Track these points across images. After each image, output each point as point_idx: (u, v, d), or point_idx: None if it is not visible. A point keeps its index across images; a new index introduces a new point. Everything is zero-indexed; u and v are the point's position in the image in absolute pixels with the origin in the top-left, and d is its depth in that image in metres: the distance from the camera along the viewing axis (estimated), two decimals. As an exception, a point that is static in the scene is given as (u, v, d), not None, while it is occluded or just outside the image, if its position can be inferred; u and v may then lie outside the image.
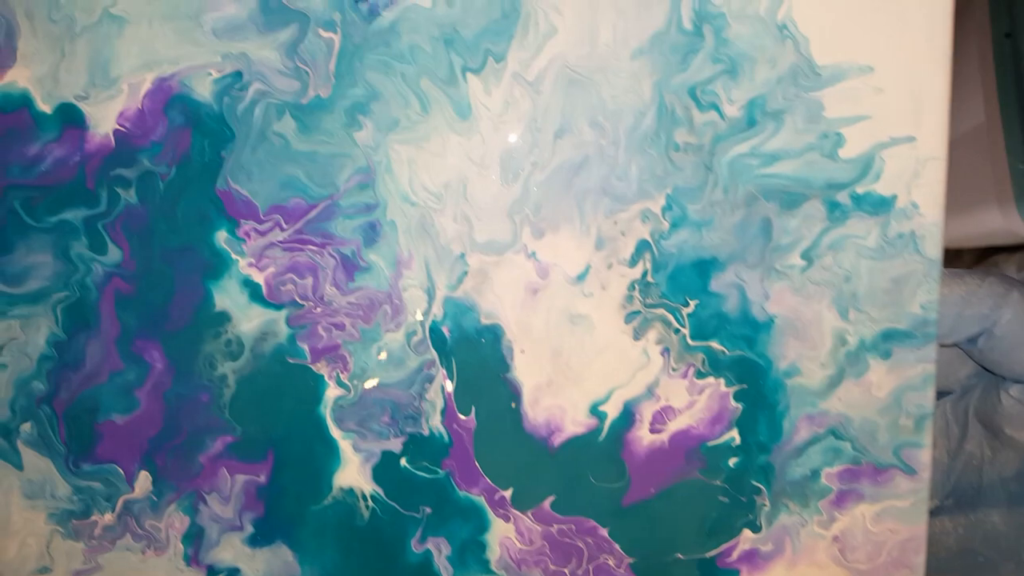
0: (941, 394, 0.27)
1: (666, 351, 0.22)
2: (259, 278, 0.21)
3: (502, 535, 0.23)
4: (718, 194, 0.22)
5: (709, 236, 0.22)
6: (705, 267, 0.22)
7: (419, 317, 0.22)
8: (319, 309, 0.22)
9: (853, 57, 0.21)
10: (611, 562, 0.23)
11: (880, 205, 0.22)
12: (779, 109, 0.22)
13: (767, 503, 0.23)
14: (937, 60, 0.21)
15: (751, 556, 0.23)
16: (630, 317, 0.22)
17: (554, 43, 0.21)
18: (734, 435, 0.22)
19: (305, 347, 0.22)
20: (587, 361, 0.22)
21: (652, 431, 0.22)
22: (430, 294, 0.22)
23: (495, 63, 0.21)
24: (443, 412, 0.22)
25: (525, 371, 0.22)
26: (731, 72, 0.21)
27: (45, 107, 0.21)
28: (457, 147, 0.21)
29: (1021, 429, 0.24)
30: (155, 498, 0.22)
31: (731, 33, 0.21)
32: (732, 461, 0.22)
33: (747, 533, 0.23)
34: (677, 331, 0.22)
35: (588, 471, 0.22)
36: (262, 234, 0.21)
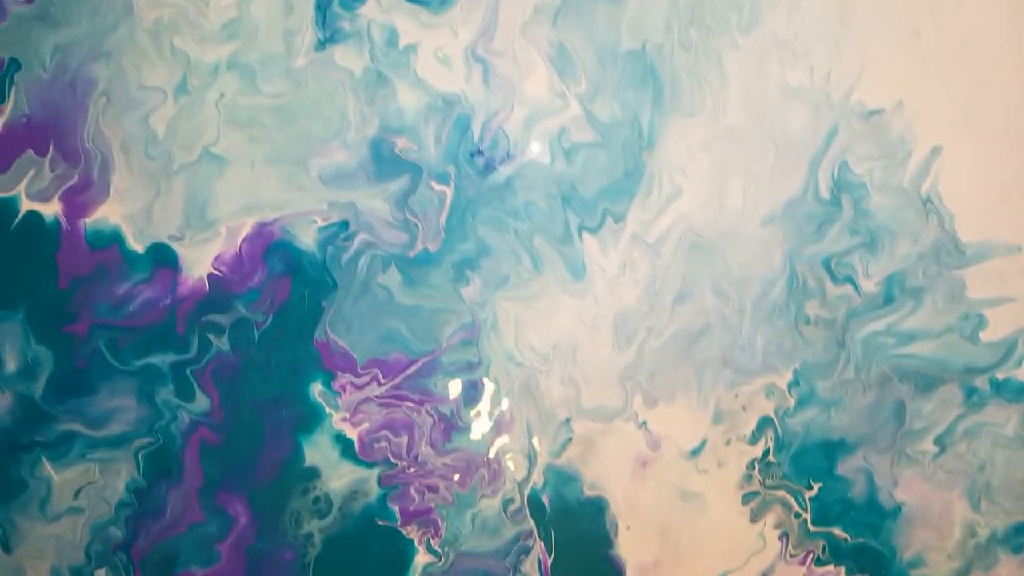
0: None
1: (784, 535, 0.20)
2: (352, 434, 0.20)
3: None
4: (849, 372, 0.20)
5: (838, 416, 0.20)
6: (832, 449, 0.20)
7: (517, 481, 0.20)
8: (413, 469, 0.20)
9: (1000, 236, 0.20)
10: None
11: (1021, 392, 0.20)
12: (919, 286, 0.20)
13: None
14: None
15: None
16: (747, 498, 0.20)
17: (678, 205, 0.20)
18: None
19: (396, 509, 0.20)
20: (698, 542, 0.20)
21: (763, 622, 0.21)
22: (531, 460, 0.20)
23: (614, 223, 0.20)
24: (539, 588, 0.20)
25: (630, 549, 0.20)
26: (870, 245, 0.20)
27: (137, 246, 0.20)
28: (569, 308, 0.20)
29: None
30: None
31: (872, 204, 0.20)
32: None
33: None
34: (798, 515, 0.20)
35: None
36: (358, 388, 0.20)
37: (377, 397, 0.20)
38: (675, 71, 0.20)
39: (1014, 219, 0.20)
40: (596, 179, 0.20)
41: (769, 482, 0.21)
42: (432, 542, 0.21)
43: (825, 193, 0.20)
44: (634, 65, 0.20)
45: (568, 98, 0.20)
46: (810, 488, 0.21)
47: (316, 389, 0.20)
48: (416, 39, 0.20)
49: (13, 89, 0.20)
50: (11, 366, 0.20)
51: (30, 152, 0.20)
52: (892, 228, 0.20)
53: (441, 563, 0.21)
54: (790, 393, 0.20)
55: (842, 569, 0.21)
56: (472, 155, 0.20)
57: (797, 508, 0.21)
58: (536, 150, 0.20)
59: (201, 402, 0.20)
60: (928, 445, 0.21)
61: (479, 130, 0.20)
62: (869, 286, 0.20)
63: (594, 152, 0.20)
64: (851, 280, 0.20)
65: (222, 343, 0.20)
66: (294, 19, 0.20)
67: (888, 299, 0.20)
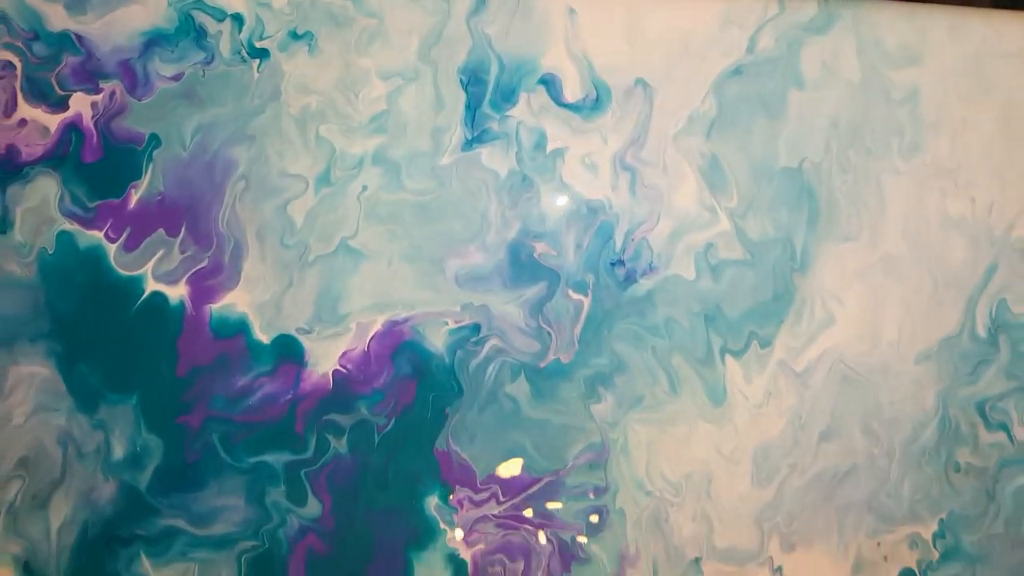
0: None
1: None
2: (466, 555, 0.19)
3: None
4: (999, 527, 0.19)
5: (984, 574, 0.19)
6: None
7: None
8: (528, 604, 0.19)
9: None
10: None
11: None
12: (1080, 438, 0.19)
13: None
14: None
15: None
16: (886, 661, 0.19)
17: (830, 334, 0.19)
18: None
19: (506, 647, 0.19)
20: None
21: None
22: (659, 604, 0.19)
23: (760, 348, 0.19)
24: None
25: None
26: (1029, 390, 0.19)
27: (263, 336, 0.19)
28: (706, 436, 0.19)
29: None
30: None
31: (1033, 346, 0.19)
32: None
33: None
34: None
35: None
36: (476, 505, 0.19)
37: (495, 516, 0.19)
38: (832, 193, 0.19)
39: None
40: (743, 299, 0.19)
41: (912, 642, 0.19)
42: None
43: (982, 332, 0.19)
44: (790, 183, 0.19)
45: (718, 212, 0.19)
46: (955, 655, 0.19)
47: (432, 502, 0.19)
48: (564, 144, 0.19)
49: (151, 166, 0.19)
50: (118, 453, 0.19)
51: (161, 231, 0.19)
52: (1060, 381, 0.19)
53: None
54: (935, 545, 0.19)
55: None
56: (613, 265, 0.19)
57: (937, 669, 0.19)
58: (681, 264, 0.19)
59: (313, 507, 0.19)
60: (1083, 614, 0.19)
61: (622, 239, 0.19)
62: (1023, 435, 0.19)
63: (742, 271, 0.19)
64: (1005, 427, 0.19)
65: (341, 445, 0.19)
66: (443, 117, 0.19)
67: (1052, 453, 0.19)
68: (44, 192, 0.20)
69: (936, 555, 0.19)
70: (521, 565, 0.19)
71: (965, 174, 0.19)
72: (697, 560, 0.19)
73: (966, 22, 0.19)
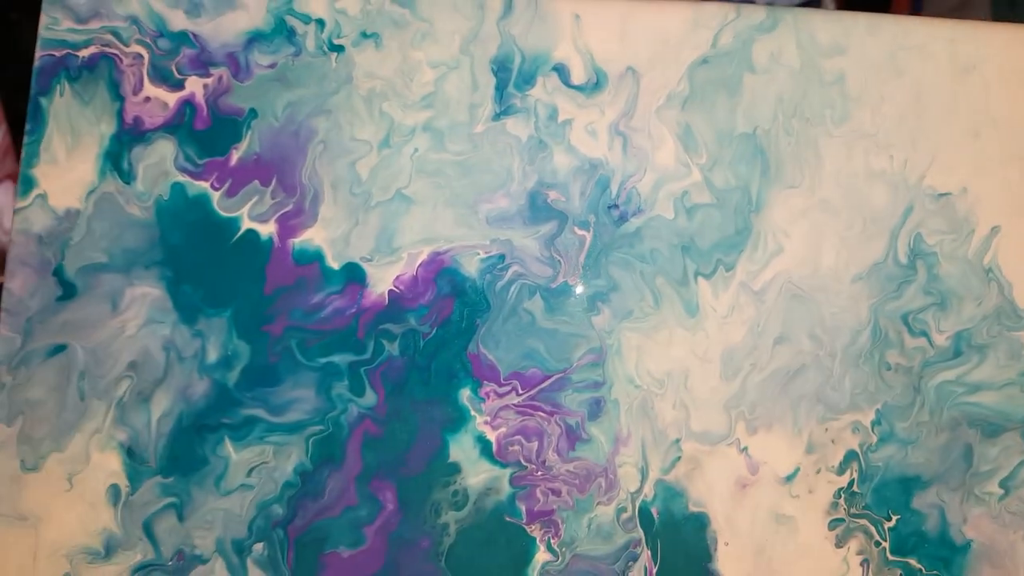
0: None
1: (865, 562, 0.23)
2: (491, 436, 0.23)
3: None
4: (924, 415, 0.23)
5: (914, 454, 0.23)
6: (909, 484, 0.23)
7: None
8: (540, 473, 0.23)
9: (1056, 305, 0.23)
10: None
11: (1080, 445, 0.23)
12: (983, 344, 0.23)
13: None
14: None
15: None
16: (834, 524, 0.23)
17: (780, 260, 0.24)
18: (926, 657, 0.23)
19: (523, 508, 0.23)
20: (788, 563, 0.23)
21: (847, 641, 0.23)
22: (644, 474, 0.23)
23: (725, 271, 0.24)
24: (645, 592, 0.23)
25: (727, 564, 0.23)
26: (941, 305, 0.24)
27: (334, 264, 0.24)
28: (683, 341, 0.24)
29: None
30: (364, 637, 0.23)
31: (942, 271, 0.24)
32: None
33: None
34: (878, 544, 0.23)
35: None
36: (500, 396, 0.24)
37: (515, 405, 0.24)
38: (779, 152, 0.24)
39: (1065, 293, 0.24)
40: (711, 234, 0.24)
41: (853, 511, 0.23)
42: (552, 542, 0.23)
43: (903, 259, 0.24)
44: (746, 145, 0.24)
45: (691, 167, 0.24)
46: (889, 519, 0.23)
47: (465, 394, 0.24)
48: (571, 115, 0.25)
49: (249, 133, 0.25)
50: (212, 356, 0.24)
51: (256, 183, 0.25)
52: (959, 292, 0.24)
53: (558, 562, 0.23)
54: (873, 431, 0.23)
55: (920, 598, 0.23)
56: (609, 208, 0.24)
57: (877, 537, 0.23)
58: (662, 207, 0.24)
59: (369, 397, 0.24)
60: (994, 487, 0.23)
61: (616, 188, 0.24)
62: (940, 340, 0.24)
63: (710, 212, 0.24)
64: (925, 334, 0.24)
65: (393, 348, 0.24)
66: (477, 95, 0.25)
67: (957, 353, 0.23)
68: (162, 152, 0.25)
69: (874, 439, 0.23)
70: (536, 444, 0.24)
71: (884, 137, 0.24)
72: (677, 440, 0.24)
73: (881, 23, 0.25)
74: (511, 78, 0.25)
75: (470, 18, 0.25)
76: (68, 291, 0.24)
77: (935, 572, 0.23)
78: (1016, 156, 0.24)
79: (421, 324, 0.24)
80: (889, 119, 0.24)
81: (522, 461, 0.24)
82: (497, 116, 0.25)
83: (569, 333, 0.24)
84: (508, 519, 0.23)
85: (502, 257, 0.24)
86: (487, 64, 0.25)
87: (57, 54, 0.25)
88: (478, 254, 0.24)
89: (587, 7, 0.25)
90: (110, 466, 0.24)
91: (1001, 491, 0.23)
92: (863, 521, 0.23)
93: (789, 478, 0.23)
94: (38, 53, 0.26)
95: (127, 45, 0.25)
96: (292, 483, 0.24)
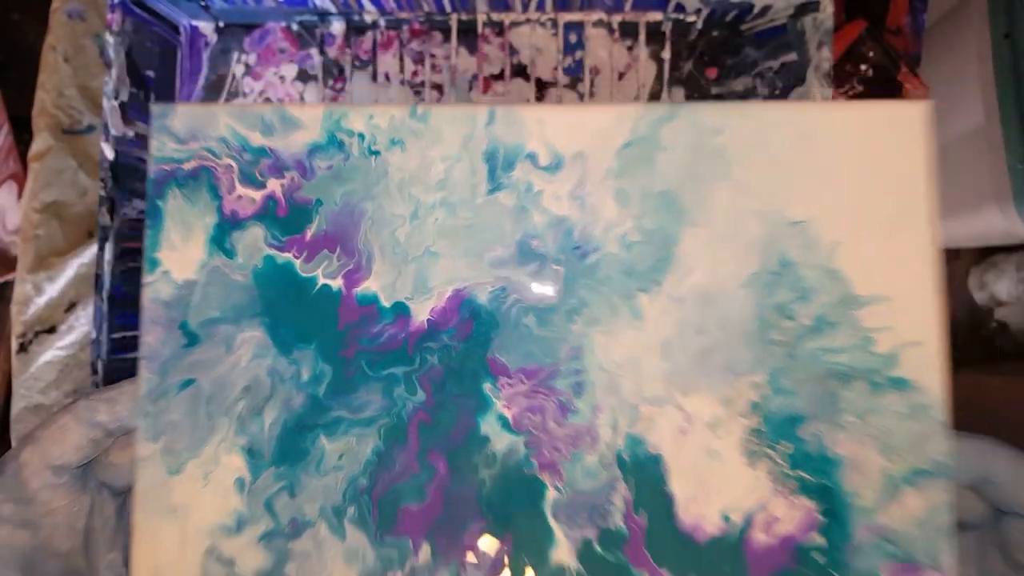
0: (974, 525, 0.36)
1: (772, 476, 0.33)
2: (508, 415, 0.33)
3: (660, 604, 0.32)
4: (800, 374, 0.34)
5: (797, 401, 0.34)
6: (796, 421, 0.34)
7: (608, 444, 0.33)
8: (544, 437, 0.33)
9: (880, 291, 0.35)
10: (736, 629, 0.32)
11: (902, 385, 0.34)
12: (835, 322, 0.35)
13: (843, 589, 0.33)
14: (928, 292, 0.34)
15: (834, 628, 0.32)
16: (748, 454, 0.34)
17: (692, 277, 0.35)
18: (818, 539, 0.33)
19: (535, 462, 0.33)
20: (719, 483, 0.33)
21: (766, 534, 0.33)
22: (616, 431, 0.34)
23: (656, 287, 0.35)
24: (623, 514, 0.33)
25: (678, 487, 0.33)
26: (804, 298, 0.35)
27: (386, 303, 0.34)
28: (633, 337, 0.34)
29: None
30: (432, 565, 0.32)
31: (803, 273, 0.35)
32: (817, 556, 0.33)
33: (830, 611, 0.33)
34: (779, 464, 0.33)
35: (723, 563, 0.33)
36: (511, 386, 0.34)
37: (523, 392, 0.34)
38: (685, 202, 0.35)
39: (886, 280, 0.35)
40: (644, 262, 0.35)
41: (760, 443, 0.34)
42: (558, 484, 0.33)
43: (775, 267, 0.35)
44: (662, 199, 0.35)
45: (627, 218, 0.35)
46: (785, 447, 0.34)
47: (487, 387, 0.34)
48: (542, 188, 0.35)
49: (317, 216, 0.35)
50: (305, 376, 0.34)
51: (325, 251, 0.35)
52: (816, 288, 0.35)
53: (563, 497, 0.33)
54: (768, 387, 0.34)
55: (811, 500, 0.33)
56: (574, 249, 0.35)
57: (778, 460, 0.34)
58: (610, 246, 0.35)
59: (420, 396, 0.34)
60: (853, 419, 0.34)
61: (578, 235, 0.35)
62: (806, 321, 0.35)
63: (643, 247, 0.35)
64: (794, 318, 0.35)
65: (433, 359, 0.34)
66: (476, 178, 0.35)
67: (818, 329, 0.35)
68: (255, 234, 0.35)
69: (769, 392, 0.34)
70: (540, 417, 0.34)
71: (754, 187, 0.36)
72: (636, 406, 0.34)
73: (748, 108, 0.37)
74: (498, 165, 0.35)
75: (466, 126, 0.36)
76: (192, 340, 0.34)
77: (821, 481, 0.33)
78: (848, 194, 0.36)
79: (451, 341, 0.34)
80: (757, 175, 0.36)
81: (531, 430, 0.34)
82: (491, 191, 0.35)
83: (556, 338, 0.34)
84: (526, 471, 0.33)
85: (504, 289, 0.35)
86: (480, 156, 0.36)
87: (167, 168, 0.35)
88: (487, 288, 0.35)
89: (547, 114, 0.36)
90: (235, 464, 0.33)
91: (859, 421, 0.34)
92: (767, 450, 0.34)
93: (714, 425, 0.34)
94: (152, 167, 0.35)
95: (220, 158, 0.35)
96: (371, 461, 0.33)
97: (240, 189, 0.34)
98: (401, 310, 0.32)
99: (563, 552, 0.33)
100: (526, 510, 0.33)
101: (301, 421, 0.32)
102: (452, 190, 0.34)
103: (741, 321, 0.34)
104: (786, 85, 0.61)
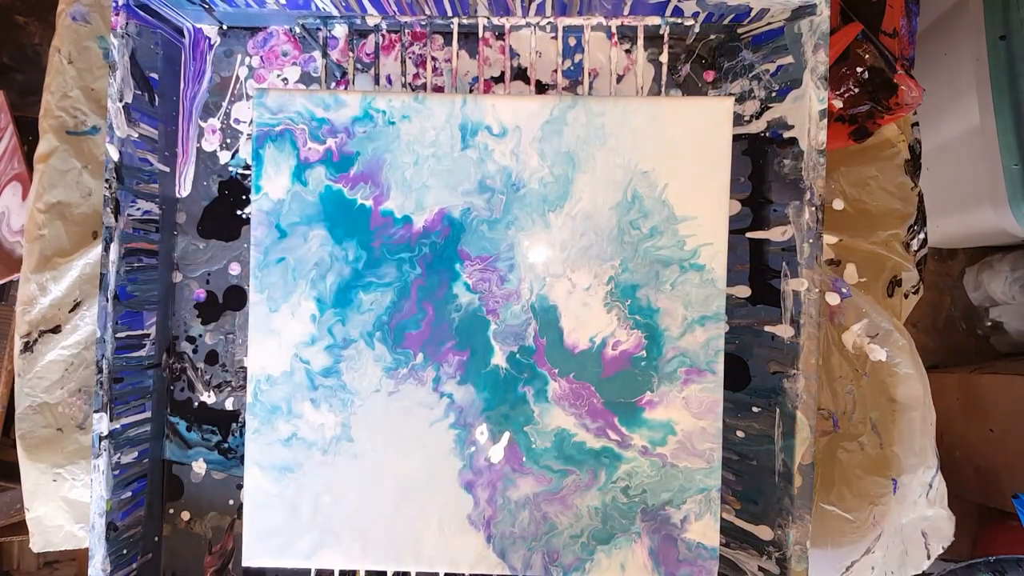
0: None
1: (619, 318, 0.58)
2: (470, 282, 0.58)
3: (553, 387, 0.58)
4: (640, 260, 0.59)
5: (636, 275, 0.59)
6: (636, 287, 0.59)
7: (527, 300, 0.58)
8: (490, 295, 0.58)
9: (690, 212, 0.59)
10: (595, 401, 0.58)
11: (699, 268, 0.59)
12: (663, 231, 0.59)
13: (656, 382, 0.58)
14: (719, 215, 0.59)
15: (649, 403, 0.58)
16: (606, 305, 0.58)
17: (581, 204, 0.59)
18: (643, 353, 0.59)
19: (484, 308, 0.58)
20: (588, 320, 0.58)
21: (613, 349, 0.58)
22: (531, 292, 0.58)
23: (560, 209, 0.59)
24: (534, 337, 0.58)
25: (566, 322, 0.58)
26: (645, 216, 0.59)
27: (398, 215, 0.58)
28: (545, 241, 0.59)
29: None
30: (423, 364, 0.57)
31: (646, 203, 0.59)
32: (642, 363, 0.58)
33: (648, 393, 0.59)
34: (623, 311, 0.59)
35: (589, 365, 0.58)
36: (472, 266, 0.58)
37: (479, 270, 0.58)
38: (580, 157, 0.59)
39: (696, 201, 0.59)
40: (555, 193, 0.59)
41: (613, 299, 0.59)
42: (497, 320, 0.58)
43: (629, 199, 0.59)
44: (567, 157, 0.59)
45: (544, 167, 0.59)
46: (626, 300, 0.59)
47: (457, 266, 0.58)
48: (494, 147, 0.59)
49: (357, 162, 0.58)
50: (351, 255, 0.57)
51: (362, 183, 0.57)
52: (652, 211, 0.59)
53: (499, 328, 0.58)
54: (619, 267, 0.59)
55: (641, 332, 0.59)
56: (511, 185, 0.59)
57: (623, 307, 0.59)
58: (533, 184, 0.59)
59: (417, 270, 0.58)
60: (668, 286, 0.59)
61: (515, 176, 0.59)
62: (645, 231, 0.59)
63: (552, 184, 0.59)
64: (639, 229, 0.59)
65: (426, 249, 0.58)
66: (454, 140, 0.58)
67: (652, 235, 0.59)
68: (319, 172, 0.58)
69: (620, 271, 0.59)
70: (488, 284, 0.58)
71: (621, 151, 0.59)
72: (545, 278, 0.58)
73: (628, 103, 0.60)
74: (467, 132, 0.59)
75: (448, 108, 0.59)
76: (282, 234, 0.57)
77: (646, 320, 0.59)
78: (677, 155, 0.59)
79: (437, 239, 0.58)
80: (622, 141, 0.59)
81: (483, 291, 0.58)
82: (463, 149, 0.58)
83: (498, 239, 0.58)
84: (478, 314, 0.58)
85: (469, 208, 0.58)
86: (457, 126, 0.59)
87: (264, 129, 0.58)
88: (459, 207, 0.58)
89: (499, 101, 0.59)
90: (309, 307, 0.57)
91: (671, 288, 0.59)
92: (617, 303, 0.59)
93: (587, 289, 0.59)
94: (256, 129, 0.58)
95: (296, 124, 0.58)
96: (389, 307, 0.57)
97: (310, 144, 0.57)
98: (407, 220, 0.56)
99: (499, 358, 0.58)
100: (478, 335, 0.58)
101: (348, 283, 0.56)
102: (439, 147, 0.57)
103: (607, 230, 0.59)
104: (782, 87, 0.60)
